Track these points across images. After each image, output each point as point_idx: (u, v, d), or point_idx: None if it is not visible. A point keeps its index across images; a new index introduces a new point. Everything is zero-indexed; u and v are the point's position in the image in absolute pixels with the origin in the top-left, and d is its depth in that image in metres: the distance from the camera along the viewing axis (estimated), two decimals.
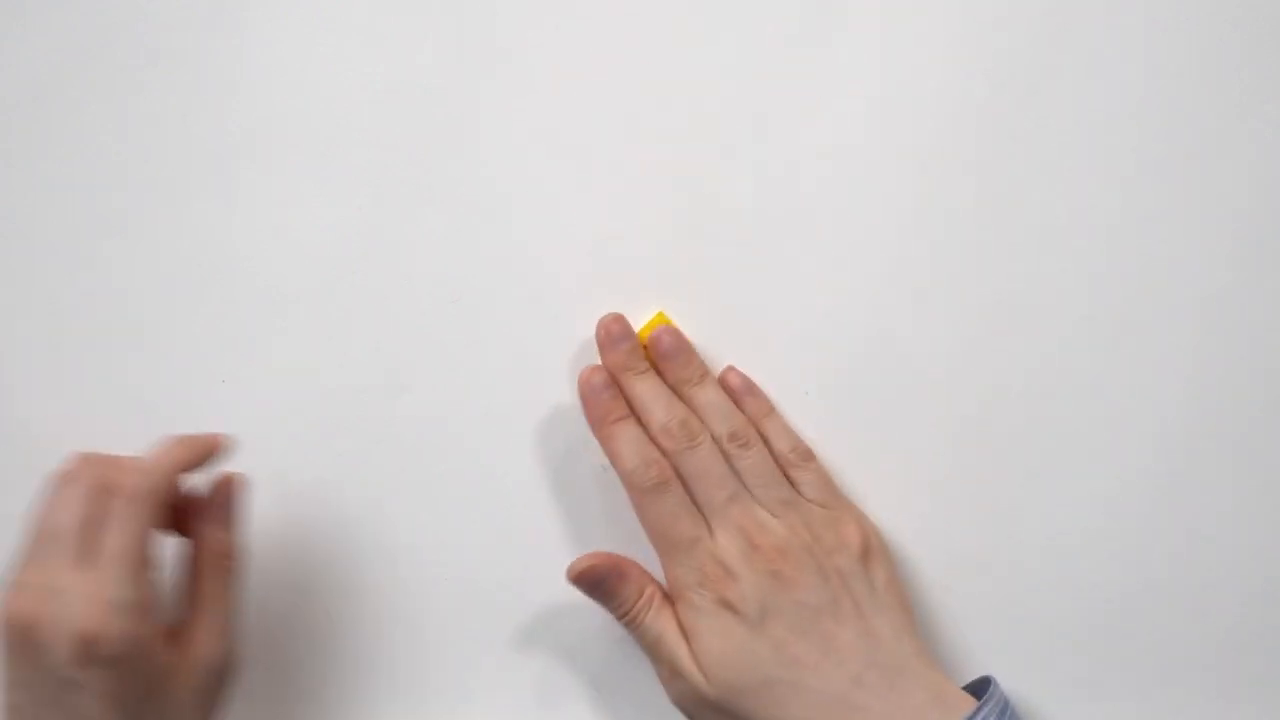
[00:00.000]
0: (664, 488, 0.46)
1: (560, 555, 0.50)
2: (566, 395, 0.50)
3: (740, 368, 0.50)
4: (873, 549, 0.47)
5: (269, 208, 0.51)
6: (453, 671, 0.50)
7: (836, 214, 0.51)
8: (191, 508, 0.46)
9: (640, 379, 0.48)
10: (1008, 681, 0.49)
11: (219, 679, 0.44)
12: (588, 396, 0.48)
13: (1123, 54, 0.51)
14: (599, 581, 0.47)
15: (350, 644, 0.50)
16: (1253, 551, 0.50)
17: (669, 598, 0.47)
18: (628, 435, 0.47)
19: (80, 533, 0.42)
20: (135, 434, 0.50)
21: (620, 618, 0.47)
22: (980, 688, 0.45)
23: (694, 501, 0.46)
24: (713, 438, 0.47)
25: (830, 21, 0.51)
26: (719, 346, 0.51)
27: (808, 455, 0.49)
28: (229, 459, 0.46)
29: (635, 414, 0.48)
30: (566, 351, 0.51)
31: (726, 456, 0.47)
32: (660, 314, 0.50)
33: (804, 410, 0.50)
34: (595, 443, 0.49)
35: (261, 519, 0.50)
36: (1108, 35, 0.51)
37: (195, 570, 0.45)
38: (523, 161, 0.51)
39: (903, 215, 0.51)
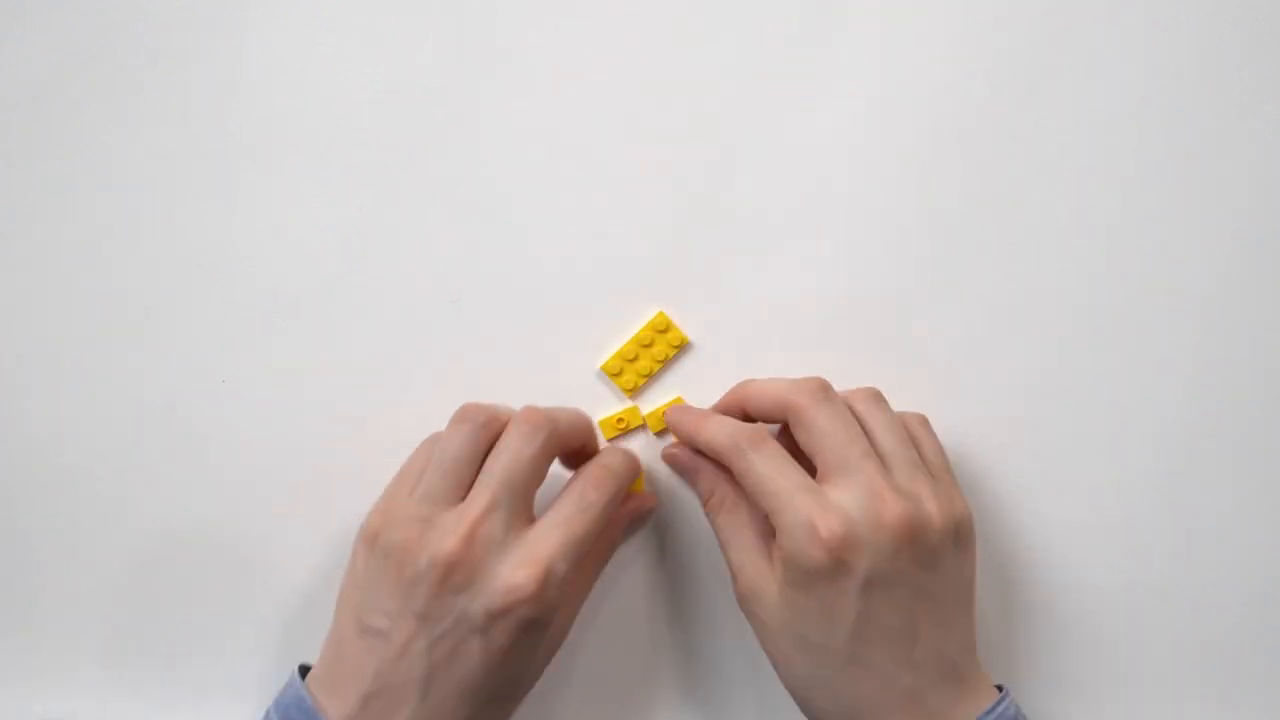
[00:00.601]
0: (763, 442, 0.44)
1: None
2: (566, 395, 0.50)
3: (741, 365, 0.50)
4: (966, 534, 0.45)
5: (269, 208, 0.51)
6: None
7: (836, 214, 0.51)
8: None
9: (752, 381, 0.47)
10: (1003, 679, 0.49)
11: (557, 650, 0.46)
12: (674, 424, 0.48)
13: (1123, 54, 0.51)
14: (681, 470, 0.48)
15: None
16: (1253, 551, 0.50)
17: (753, 509, 0.45)
18: (714, 419, 0.46)
19: (532, 491, 0.44)
20: (135, 434, 0.50)
21: (701, 506, 0.47)
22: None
23: (819, 460, 0.44)
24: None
25: (830, 21, 0.51)
26: (719, 346, 0.51)
27: (925, 420, 0.47)
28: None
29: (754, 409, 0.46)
30: (567, 351, 0.51)
31: (856, 416, 0.45)
32: (661, 314, 0.50)
33: None
34: None
35: (261, 519, 0.50)
36: (1108, 35, 0.51)
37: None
38: (523, 161, 0.51)
39: (903, 215, 0.51)
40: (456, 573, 0.41)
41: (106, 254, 0.51)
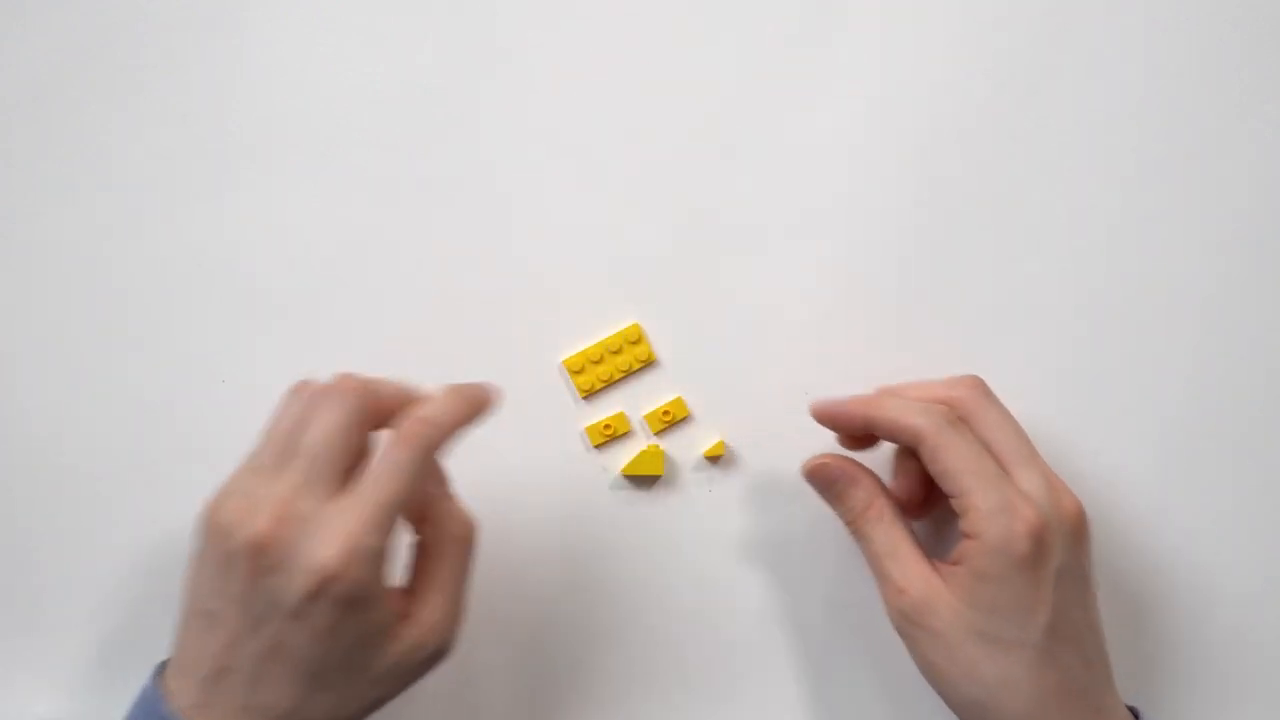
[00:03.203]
0: (960, 423, 0.43)
1: (561, 555, 0.50)
2: (566, 395, 0.50)
3: (741, 367, 0.50)
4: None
5: (269, 208, 0.51)
6: (452, 669, 0.50)
7: (836, 214, 0.51)
8: (438, 480, 0.45)
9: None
10: None
11: (429, 660, 0.43)
12: (833, 412, 0.46)
13: (1123, 54, 0.51)
14: (831, 482, 0.46)
15: None
16: (1253, 551, 0.50)
17: (906, 521, 0.45)
18: (891, 398, 0.45)
19: (342, 460, 0.41)
20: (135, 434, 0.50)
21: (847, 523, 0.46)
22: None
23: (996, 449, 0.43)
24: None
25: (830, 21, 0.51)
26: (722, 344, 0.51)
27: None
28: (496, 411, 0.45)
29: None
30: (567, 351, 0.51)
31: None
32: (635, 325, 0.50)
33: (804, 410, 0.50)
34: (587, 441, 0.49)
35: None
36: (1108, 35, 0.51)
37: (435, 545, 0.44)
38: (522, 162, 0.51)
39: (903, 215, 0.51)
40: (267, 554, 0.39)
41: (106, 254, 0.51)
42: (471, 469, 0.50)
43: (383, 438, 0.42)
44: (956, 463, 0.42)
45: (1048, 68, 0.51)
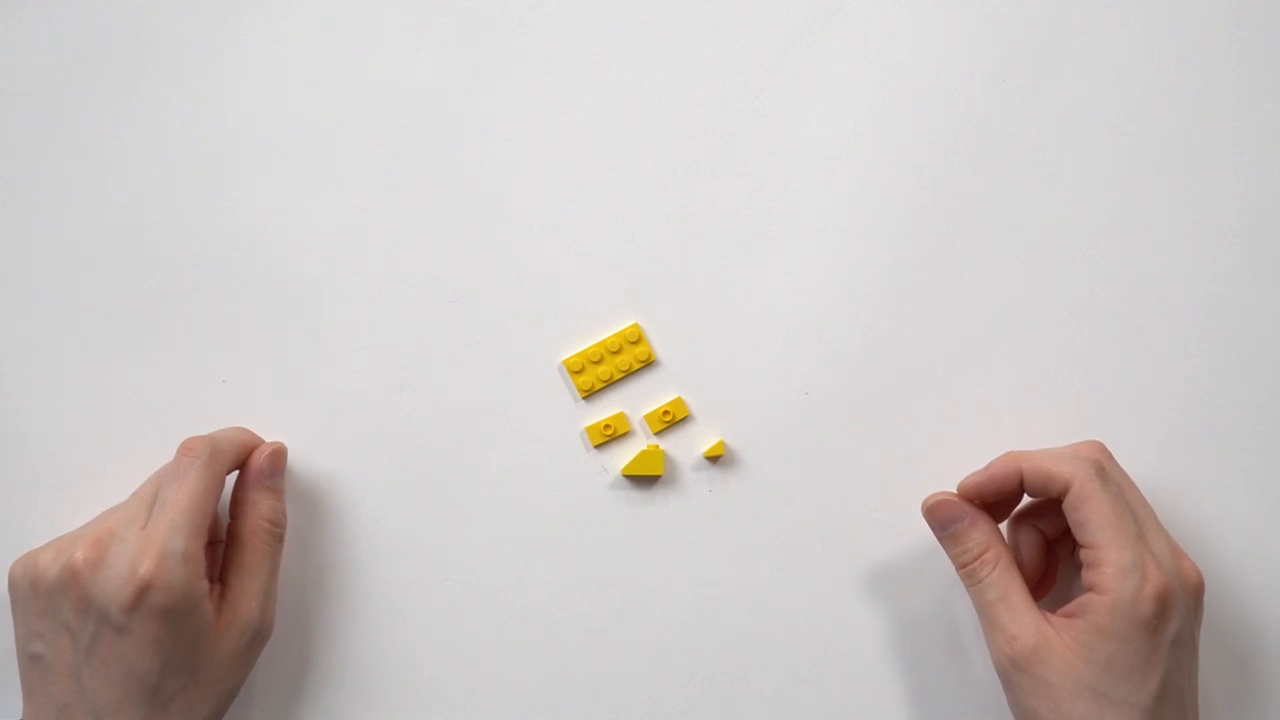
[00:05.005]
0: (1106, 476, 0.44)
1: (561, 555, 0.50)
2: (563, 394, 0.50)
3: (741, 367, 0.50)
4: None
5: (268, 208, 0.51)
6: (457, 669, 0.50)
7: (836, 214, 0.51)
8: (240, 477, 0.48)
9: None
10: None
11: (253, 641, 0.46)
12: (978, 478, 0.46)
13: (1123, 54, 0.51)
14: (949, 521, 0.46)
15: (347, 642, 0.50)
16: (1252, 551, 0.50)
17: (1017, 569, 0.45)
18: (1041, 451, 0.46)
19: (153, 494, 0.45)
20: (135, 434, 0.50)
21: (959, 567, 0.46)
22: None
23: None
24: None
25: (831, 22, 0.51)
26: (722, 345, 0.51)
27: None
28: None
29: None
30: (565, 351, 0.51)
31: None
32: (635, 325, 0.50)
33: (804, 410, 0.50)
34: (585, 439, 0.49)
35: None
36: (1108, 35, 0.51)
37: (241, 535, 0.47)
38: (522, 162, 0.51)
39: (902, 215, 0.51)
40: (92, 569, 0.42)
41: (107, 254, 0.51)
42: (472, 469, 0.51)
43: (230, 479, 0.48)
44: (1098, 516, 0.43)
45: (1048, 68, 0.51)
